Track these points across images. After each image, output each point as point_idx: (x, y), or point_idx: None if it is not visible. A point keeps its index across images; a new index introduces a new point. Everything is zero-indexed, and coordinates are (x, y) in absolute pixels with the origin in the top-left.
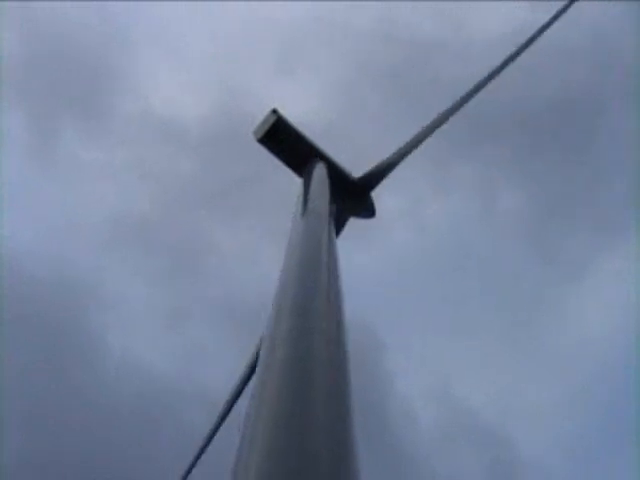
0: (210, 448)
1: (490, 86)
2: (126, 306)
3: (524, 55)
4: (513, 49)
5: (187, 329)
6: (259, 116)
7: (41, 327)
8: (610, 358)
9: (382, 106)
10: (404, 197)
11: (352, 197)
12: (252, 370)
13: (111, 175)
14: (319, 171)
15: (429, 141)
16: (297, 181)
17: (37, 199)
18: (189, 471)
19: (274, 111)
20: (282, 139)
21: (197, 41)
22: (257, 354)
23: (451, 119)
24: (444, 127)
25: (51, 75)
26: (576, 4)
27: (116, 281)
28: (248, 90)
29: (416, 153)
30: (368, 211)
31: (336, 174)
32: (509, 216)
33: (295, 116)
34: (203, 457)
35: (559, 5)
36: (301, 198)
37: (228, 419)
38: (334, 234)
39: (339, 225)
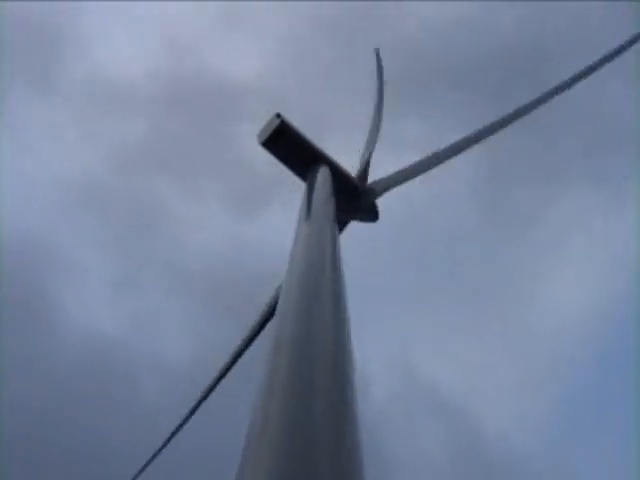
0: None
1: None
2: (78, 271)
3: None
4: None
5: (140, 294)
6: (208, 73)
7: None
8: (576, 330)
9: (334, 61)
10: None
11: (356, 202)
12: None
13: (58, 137)
14: (323, 175)
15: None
16: (301, 185)
17: None
18: (183, 423)
19: (278, 115)
20: (285, 143)
21: None
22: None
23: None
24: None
25: None
26: None
27: (68, 245)
28: (196, 48)
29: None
30: (370, 215)
31: (340, 179)
32: (456, 172)
33: (244, 71)
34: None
35: None
36: (305, 202)
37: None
38: (338, 239)
39: (340, 227)
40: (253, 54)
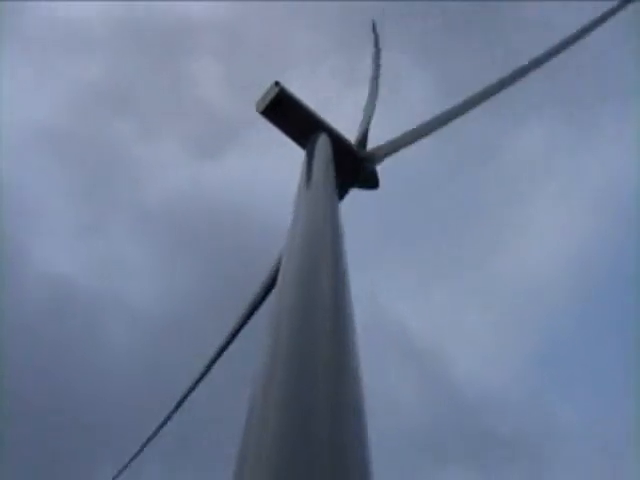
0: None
1: None
2: (39, 214)
3: None
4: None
5: (103, 238)
6: (162, 9)
7: None
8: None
9: None
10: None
11: (355, 169)
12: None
13: (13, 81)
14: (322, 143)
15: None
16: (301, 153)
17: None
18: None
19: (276, 83)
20: (285, 111)
21: None
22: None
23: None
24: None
25: None
26: None
27: (28, 189)
28: None
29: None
30: (371, 183)
31: (340, 146)
32: (414, 102)
33: (199, 6)
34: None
35: None
36: (305, 170)
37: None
38: (338, 207)
39: (340, 195)
40: None
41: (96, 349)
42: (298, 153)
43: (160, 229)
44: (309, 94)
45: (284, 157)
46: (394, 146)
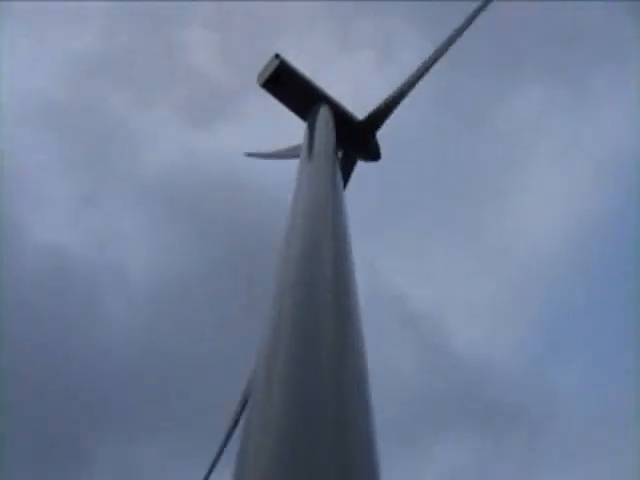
0: None
1: None
2: (35, 187)
3: None
4: None
5: (99, 209)
6: None
7: None
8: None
9: None
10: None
11: (357, 140)
12: None
13: (12, 53)
14: (323, 114)
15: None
16: (297, 122)
17: None
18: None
19: (277, 55)
20: (285, 83)
21: None
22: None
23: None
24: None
25: None
26: None
27: (24, 162)
28: None
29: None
30: (373, 153)
31: (340, 117)
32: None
33: None
34: None
35: None
36: (306, 142)
37: None
38: (340, 177)
39: (348, 171)
40: None
41: (94, 320)
42: (294, 122)
43: (157, 200)
44: (304, 60)
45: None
46: (387, 106)
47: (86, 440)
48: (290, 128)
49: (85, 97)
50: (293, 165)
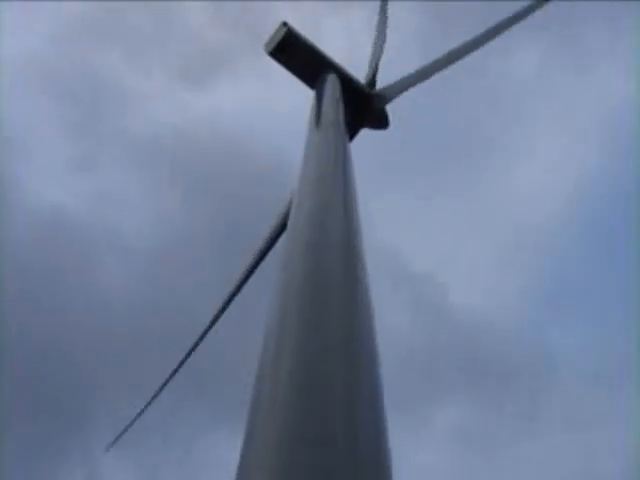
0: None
1: None
2: (28, 148)
3: None
4: None
5: (94, 170)
6: None
7: None
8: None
9: None
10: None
11: (365, 109)
12: (281, 229)
13: (2, 14)
14: (331, 83)
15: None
16: (310, 94)
17: None
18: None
19: (284, 24)
20: (293, 52)
21: None
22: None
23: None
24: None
25: None
26: None
27: (18, 123)
28: None
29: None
30: (381, 122)
31: (349, 85)
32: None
33: None
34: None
35: None
36: (314, 110)
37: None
38: (349, 146)
39: (351, 134)
40: None
41: (90, 281)
42: (290, 85)
43: (151, 161)
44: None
45: (275, 87)
46: (403, 85)
47: (82, 401)
48: (284, 89)
49: (78, 58)
50: (288, 125)
